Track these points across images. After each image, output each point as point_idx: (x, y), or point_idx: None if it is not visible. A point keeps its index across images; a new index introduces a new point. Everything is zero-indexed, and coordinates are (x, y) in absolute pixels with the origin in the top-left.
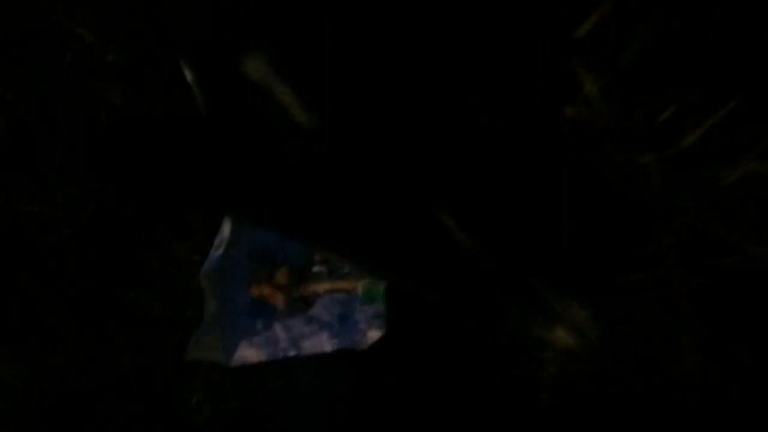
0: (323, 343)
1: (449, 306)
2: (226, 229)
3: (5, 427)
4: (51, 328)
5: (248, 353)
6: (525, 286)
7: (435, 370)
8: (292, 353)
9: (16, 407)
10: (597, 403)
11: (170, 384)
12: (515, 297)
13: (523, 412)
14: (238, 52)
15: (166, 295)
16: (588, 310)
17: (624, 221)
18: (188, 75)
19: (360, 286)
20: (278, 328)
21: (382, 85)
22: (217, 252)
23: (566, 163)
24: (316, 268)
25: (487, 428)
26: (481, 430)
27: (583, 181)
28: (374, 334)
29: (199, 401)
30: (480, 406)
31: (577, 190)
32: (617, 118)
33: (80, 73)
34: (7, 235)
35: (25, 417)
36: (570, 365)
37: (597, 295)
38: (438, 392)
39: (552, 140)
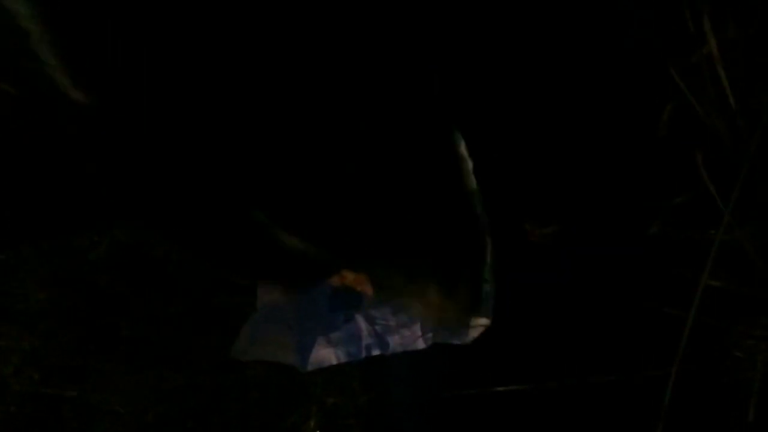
0: (415, 339)
1: None
2: None
3: None
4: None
5: (325, 353)
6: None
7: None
8: (376, 352)
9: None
10: None
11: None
12: None
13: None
14: None
15: None
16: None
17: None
18: None
19: None
20: (360, 321)
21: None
22: None
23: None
24: None
25: None
26: None
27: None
28: (478, 323)
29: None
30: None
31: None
32: None
33: None
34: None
35: None
36: None
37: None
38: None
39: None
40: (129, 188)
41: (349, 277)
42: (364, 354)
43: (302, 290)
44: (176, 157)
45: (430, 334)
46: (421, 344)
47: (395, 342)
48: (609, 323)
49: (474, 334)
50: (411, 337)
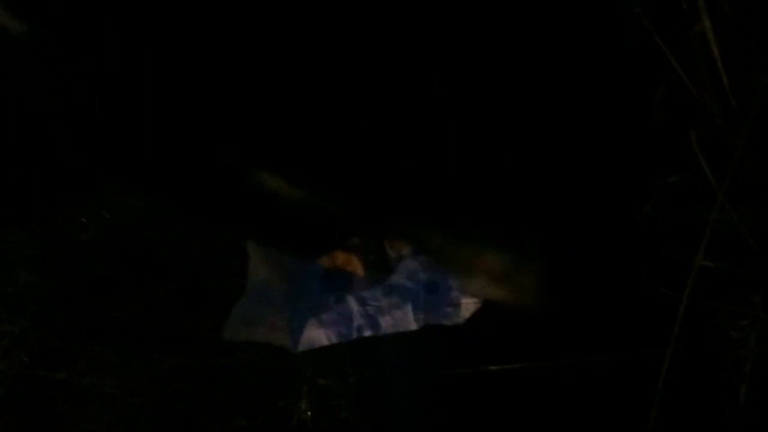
0: (407, 320)
1: None
2: None
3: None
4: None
5: (316, 334)
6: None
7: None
8: (367, 333)
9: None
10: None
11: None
12: None
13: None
14: None
15: None
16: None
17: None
18: None
19: None
20: (351, 302)
21: None
22: None
23: None
24: None
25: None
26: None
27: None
28: (470, 303)
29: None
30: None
31: None
32: None
33: None
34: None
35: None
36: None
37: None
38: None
39: None
40: (89, 126)
41: (340, 257)
42: (355, 335)
43: (295, 272)
44: (132, 87)
45: (421, 315)
46: (412, 325)
47: (386, 323)
48: (603, 303)
49: (466, 314)
50: (402, 318)
